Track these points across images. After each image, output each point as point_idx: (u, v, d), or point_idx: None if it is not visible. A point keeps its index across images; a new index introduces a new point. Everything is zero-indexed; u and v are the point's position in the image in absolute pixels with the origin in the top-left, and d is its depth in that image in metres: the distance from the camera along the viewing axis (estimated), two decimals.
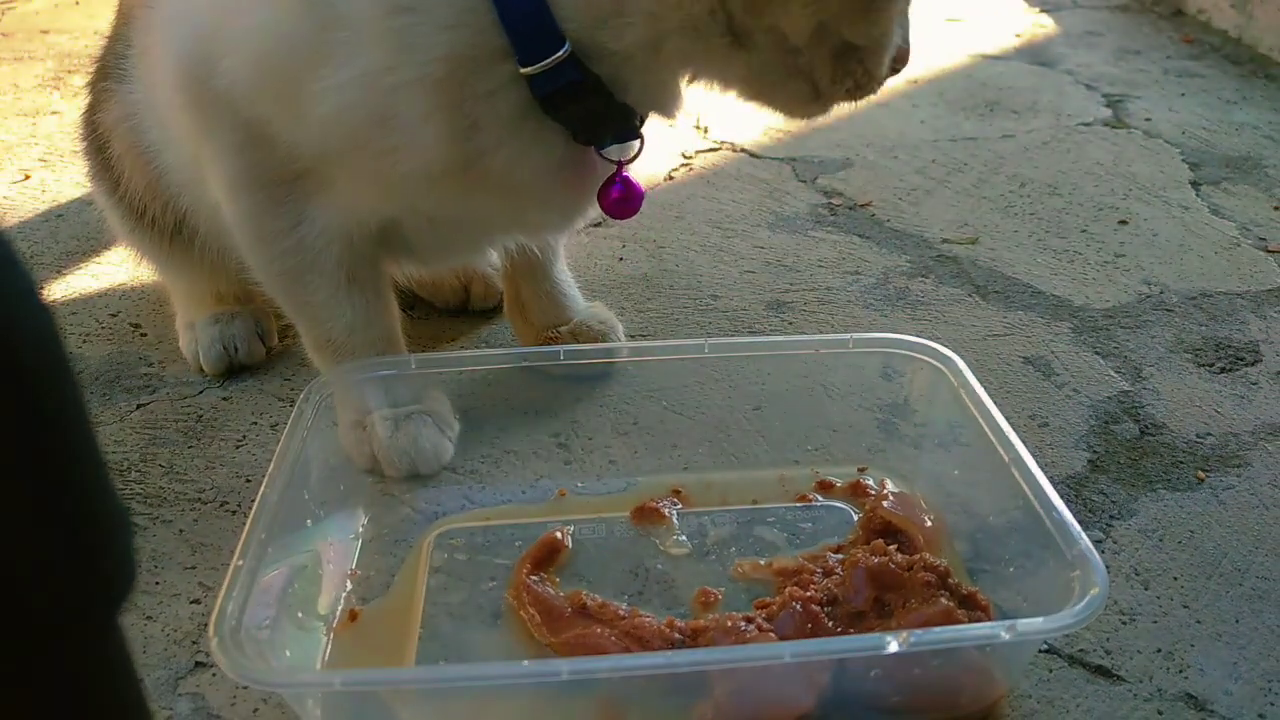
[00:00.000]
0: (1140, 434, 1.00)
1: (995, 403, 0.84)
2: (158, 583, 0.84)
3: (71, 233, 1.39)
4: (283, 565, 0.76)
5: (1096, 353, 1.12)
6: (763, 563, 0.82)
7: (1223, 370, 1.09)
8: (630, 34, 0.75)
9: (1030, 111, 1.74)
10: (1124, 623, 0.79)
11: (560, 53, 0.73)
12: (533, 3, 0.72)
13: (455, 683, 0.68)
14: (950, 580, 0.73)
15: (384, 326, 0.94)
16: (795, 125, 1.60)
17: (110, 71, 1.00)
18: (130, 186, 1.02)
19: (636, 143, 0.84)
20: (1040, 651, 0.76)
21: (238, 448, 1.00)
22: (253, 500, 0.77)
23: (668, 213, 1.42)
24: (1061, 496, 0.74)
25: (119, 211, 1.06)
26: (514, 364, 0.93)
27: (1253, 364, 1.10)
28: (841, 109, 0.82)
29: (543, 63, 0.73)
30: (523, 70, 0.74)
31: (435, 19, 0.74)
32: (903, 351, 0.92)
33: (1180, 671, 0.75)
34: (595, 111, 0.78)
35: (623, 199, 0.85)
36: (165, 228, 1.03)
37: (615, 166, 0.84)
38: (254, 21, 0.79)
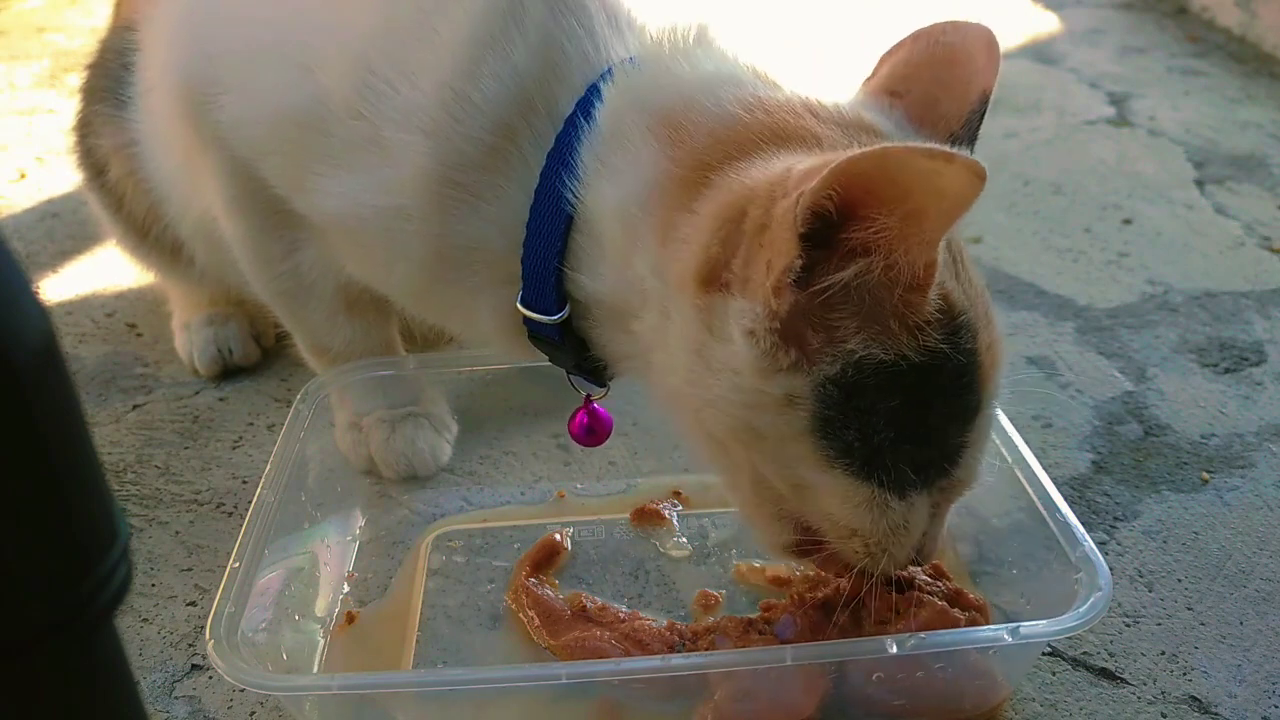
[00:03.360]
0: (1144, 435, 0.99)
1: (998, 403, 0.83)
2: (154, 585, 0.84)
3: (67, 232, 1.38)
4: (280, 567, 0.75)
5: (1100, 353, 1.11)
6: (758, 564, 0.81)
7: (1227, 371, 1.08)
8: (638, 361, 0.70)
9: (1034, 110, 1.73)
10: (1128, 625, 0.79)
11: (554, 317, 0.70)
12: (550, 265, 0.69)
13: (453, 686, 0.67)
14: (944, 583, 0.73)
15: (383, 336, 0.93)
16: None
17: (105, 95, 0.97)
18: (133, 207, 1.01)
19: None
20: (1044, 654, 0.76)
21: (234, 449, 0.99)
22: (249, 502, 0.76)
23: None
24: (1065, 498, 0.74)
25: (122, 229, 1.04)
26: (513, 364, 0.92)
27: (1257, 364, 1.09)
28: None
29: (534, 314, 0.71)
30: (518, 304, 0.71)
31: (473, 209, 0.70)
32: None
33: (1184, 674, 0.74)
34: (567, 359, 0.75)
35: (589, 429, 0.81)
36: (166, 245, 1.02)
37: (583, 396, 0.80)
38: (270, 80, 0.74)
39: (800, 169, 0.57)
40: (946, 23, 0.69)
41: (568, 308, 0.70)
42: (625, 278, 0.67)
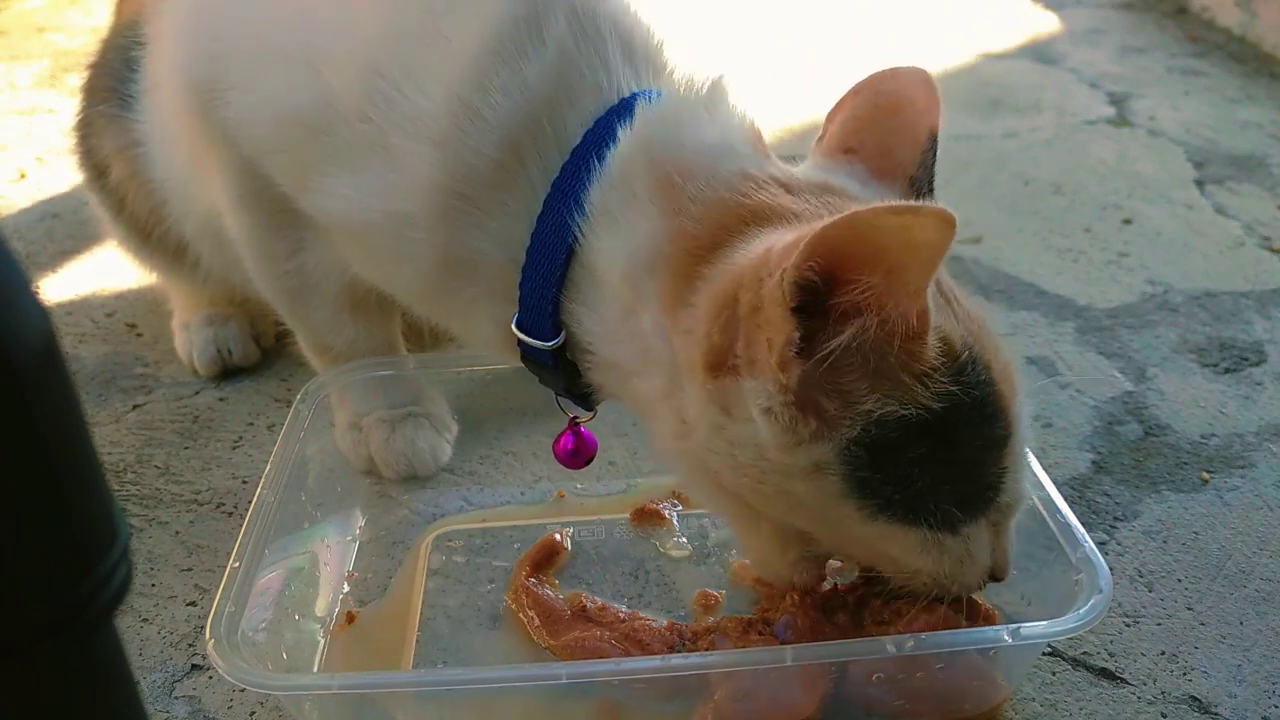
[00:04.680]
0: (1144, 435, 0.99)
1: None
2: (154, 585, 0.84)
3: (67, 232, 1.38)
4: (280, 567, 0.75)
5: (1100, 353, 1.11)
6: None
7: (1227, 371, 1.08)
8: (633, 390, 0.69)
9: (1034, 110, 1.73)
10: (1128, 625, 0.79)
11: (548, 344, 0.70)
12: (547, 294, 0.68)
13: (453, 686, 0.68)
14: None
15: (386, 337, 0.93)
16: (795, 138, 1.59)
17: (108, 95, 0.97)
18: (135, 209, 1.00)
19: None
20: (1044, 654, 0.76)
21: (234, 449, 0.99)
22: (249, 502, 0.76)
23: None
24: (1065, 498, 0.73)
25: (124, 230, 1.04)
26: (512, 365, 0.92)
27: (1257, 364, 1.09)
28: None
29: (529, 339, 0.70)
30: (513, 327, 0.71)
31: (477, 223, 0.70)
32: None
33: (1184, 674, 0.75)
34: (558, 384, 0.74)
35: (574, 451, 0.81)
36: (169, 246, 1.02)
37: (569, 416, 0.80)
38: (276, 79, 0.74)
39: (779, 247, 0.58)
40: (884, 71, 0.70)
41: (562, 335, 0.70)
42: (628, 330, 0.67)
